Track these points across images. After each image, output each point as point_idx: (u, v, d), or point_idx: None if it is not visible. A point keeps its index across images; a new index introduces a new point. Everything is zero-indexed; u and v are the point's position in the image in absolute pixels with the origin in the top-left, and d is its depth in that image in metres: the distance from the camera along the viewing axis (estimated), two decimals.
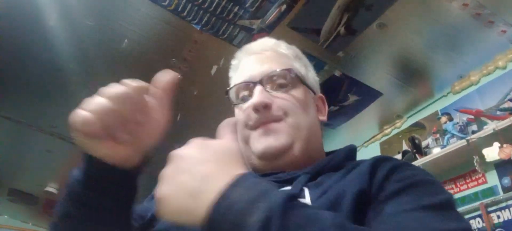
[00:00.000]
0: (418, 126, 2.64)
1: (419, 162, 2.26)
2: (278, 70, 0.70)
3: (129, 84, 0.50)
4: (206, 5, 1.92)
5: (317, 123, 0.73)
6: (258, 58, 0.73)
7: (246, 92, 0.71)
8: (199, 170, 0.43)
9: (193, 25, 2.03)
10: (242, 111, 0.69)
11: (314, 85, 0.77)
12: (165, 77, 0.53)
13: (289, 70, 0.70)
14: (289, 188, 0.59)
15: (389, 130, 2.86)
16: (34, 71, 2.40)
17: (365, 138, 3.00)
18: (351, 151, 0.70)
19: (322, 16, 1.97)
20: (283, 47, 0.76)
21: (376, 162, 0.58)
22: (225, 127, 0.54)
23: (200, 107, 2.67)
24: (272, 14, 1.96)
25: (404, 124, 2.76)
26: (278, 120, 0.66)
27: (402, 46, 2.15)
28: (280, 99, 0.67)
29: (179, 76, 0.54)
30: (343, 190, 0.53)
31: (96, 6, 1.96)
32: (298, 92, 0.70)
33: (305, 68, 0.76)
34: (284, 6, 1.92)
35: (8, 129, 3.06)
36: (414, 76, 2.38)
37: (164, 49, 2.21)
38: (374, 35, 2.06)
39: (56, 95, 2.61)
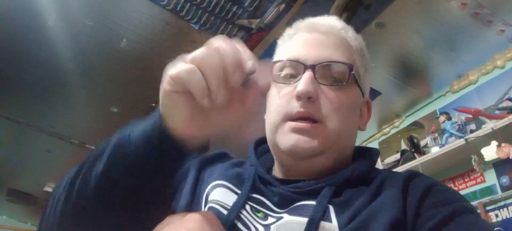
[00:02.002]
0: (416, 125, 2.64)
1: (418, 161, 2.26)
2: (337, 63, 0.60)
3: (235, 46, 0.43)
4: (204, 5, 1.92)
5: (356, 132, 0.65)
6: (319, 40, 0.63)
7: (292, 72, 0.61)
8: None
9: (192, 25, 2.03)
10: (282, 94, 0.60)
11: (366, 88, 0.67)
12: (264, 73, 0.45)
13: (350, 67, 0.60)
14: (311, 202, 0.54)
15: (387, 129, 2.86)
16: (33, 71, 2.40)
17: (364, 137, 3.00)
18: (376, 157, 0.64)
19: (321, 16, 1.96)
20: (350, 35, 0.66)
21: (407, 182, 0.55)
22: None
23: None
24: (271, 13, 1.97)
25: (403, 123, 2.77)
26: (317, 120, 0.57)
27: (400, 46, 2.15)
28: (328, 98, 0.58)
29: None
30: (374, 216, 0.50)
31: (95, 6, 1.96)
32: (349, 94, 0.60)
33: (364, 68, 0.66)
34: (282, 6, 1.92)
35: (7, 129, 3.06)
36: (412, 75, 2.38)
37: (162, 49, 2.21)
38: (372, 35, 2.06)
39: (55, 96, 2.61)
